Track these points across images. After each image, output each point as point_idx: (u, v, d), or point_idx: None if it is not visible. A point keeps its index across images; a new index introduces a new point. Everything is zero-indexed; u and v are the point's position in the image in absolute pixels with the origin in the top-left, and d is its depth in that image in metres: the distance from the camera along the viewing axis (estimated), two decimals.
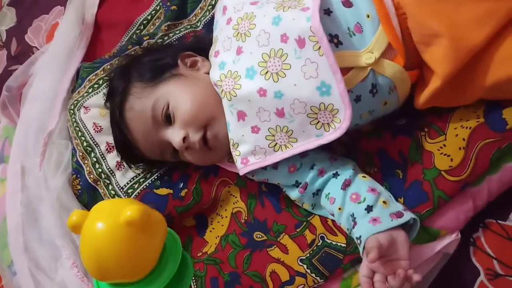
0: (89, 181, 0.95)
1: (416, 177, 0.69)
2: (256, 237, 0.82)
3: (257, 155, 0.74)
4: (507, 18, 0.59)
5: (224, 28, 0.76)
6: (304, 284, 0.73)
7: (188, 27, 1.04)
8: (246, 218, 0.84)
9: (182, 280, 0.64)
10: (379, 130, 0.77)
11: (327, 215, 0.76)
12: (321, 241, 0.74)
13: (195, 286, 0.82)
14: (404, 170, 0.71)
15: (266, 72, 0.68)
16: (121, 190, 0.93)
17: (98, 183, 0.95)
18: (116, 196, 0.92)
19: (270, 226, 0.81)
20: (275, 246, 0.78)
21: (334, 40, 0.67)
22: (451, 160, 0.67)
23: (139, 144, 0.82)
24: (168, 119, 0.78)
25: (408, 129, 0.73)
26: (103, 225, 0.55)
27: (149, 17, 1.13)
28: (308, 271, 0.73)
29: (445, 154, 0.68)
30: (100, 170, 0.95)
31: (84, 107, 1.00)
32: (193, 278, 0.82)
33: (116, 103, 0.84)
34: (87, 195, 0.95)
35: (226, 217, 0.87)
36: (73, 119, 1.00)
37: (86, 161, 0.96)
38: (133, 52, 1.02)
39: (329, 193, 0.72)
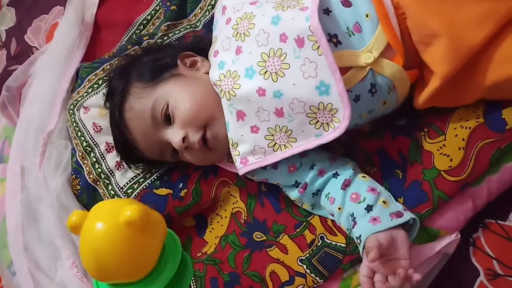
0: (89, 181, 0.95)
1: (415, 177, 0.69)
2: (256, 237, 0.82)
3: (256, 155, 0.74)
4: (506, 18, 0.59)
5: (224, 28, 0.76)
6: (304, 284, 0.73)
7: (188, 27, 1.04)
8: (245, 218, 0.84)
9: (182, 280, 0.63)
10: (379, 130, 0.77)
11: (326, 215, 0.76)
12: (320, 241, 0.74)
13: (194, 286, 0.82)
14: (403, 170, 0.71)
15: (265, 72, 0.68)
16: (121, 190, 0.92)
17: (98, 183, 0.95)
18: (115, 196, 0.92)
19: (270, 226, 0.81)
20: (275, 246, 0.78)
21: (333, 40, 0.67)
22: (451, 160, 0.67)
23: (139, 144, 0.82)
24: (168, 119, 0.78)
25: (408, 129, 0.73)
26: (103, 225, 0.55)
27: (148, 17, 1.13)
28: (308, 271, 0.73)
29: (444, 154, 0.67)
30: (99, 170, 0.95)
31: (83, 107, 1.00)
32: (193, 278, 0.82)
33: (115, 103, 0.84)
34: (87, 195, 0.95)
35: (225, 217, 0.87)
36: (73, 119, 1.00)
37: (85, 161, 0.96)
38: (132, 52, 1.02)
39: (329, 193, 0.72)
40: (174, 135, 0.77)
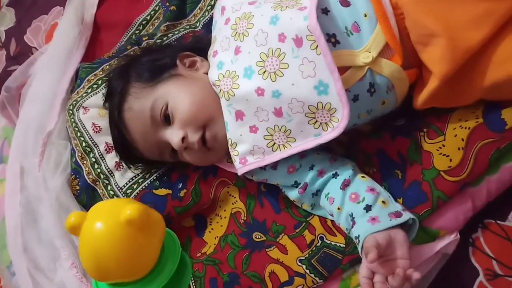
0: (88, 181, 0.95)
1: (415, 178, 0.69)
2: (255, 237, 0.82)
3: (255, 155, 0.74)
4: (505, 18, 0.59)
5: (223, 28, 0.76)
6: (303, 285, 0.73)
7: (187, 27, 1.04)
8: (245, 218, 0.84)
9: (181, 280, 0.63)
10: (378, 130, 0.77)
11: (326, 215, 0.76)
12: (320, 242, 0.74)
13: (194, 286, 0.82)
14: (403, 171, 0.71)
15: (264, 72, 0.68)
16: (120, 190, 0.92)
17: (97, 183, 0.95)
18: (115, 196, 0.92)
19: (269, 226, 0.81)
20: (274, 246, 0.78)
21: (332, 39, 0.67)
22: (450, 160, 0.66)
23: (138, 144, 0.82)
24: (167, 119, 0.78)
25: (407, 129, 0.73)
26: (103, 225, 0.55)
27: (148, 18, 1.13)
28: (307, 271, 0.73)
29: (444, 155, 0.67)
30: (99, 170, 0.95)
31: (83, 107, 1.00)
32: (192, 278, 0.82)
33: (114, 103, 0.84)
34: (86, 195, 0.95)
35: (225, 217, 0.87)
36: (72, 120, 1.00)
37: (85, 162, 0.96)
38: (132, 53, 1.03)
39: (328, 193, 0.72)
40: (173, 135, 0.77)
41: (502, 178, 0.66)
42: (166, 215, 0.86)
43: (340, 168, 0.73)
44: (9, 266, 1.01)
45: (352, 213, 0.68)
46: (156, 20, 1.12)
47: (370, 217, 0.65)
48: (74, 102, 1.01)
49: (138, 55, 0.93)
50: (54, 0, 1.36)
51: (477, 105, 0.67)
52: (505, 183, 0.67)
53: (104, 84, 1.00)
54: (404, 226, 0.66)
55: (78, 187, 0.96)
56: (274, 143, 0.72)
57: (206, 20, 1.03)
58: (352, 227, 0.67)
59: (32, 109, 1.09)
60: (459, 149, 0.66)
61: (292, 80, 0.67)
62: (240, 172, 0.77)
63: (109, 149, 0.95)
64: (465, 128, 0.66)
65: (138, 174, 0.92)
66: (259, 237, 0.81)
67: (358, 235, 0.65)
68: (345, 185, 0.70)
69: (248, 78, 0.70)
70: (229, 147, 0.77)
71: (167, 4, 1.08)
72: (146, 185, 0.90)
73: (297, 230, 0.78)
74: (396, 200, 0.69)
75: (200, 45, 0.89)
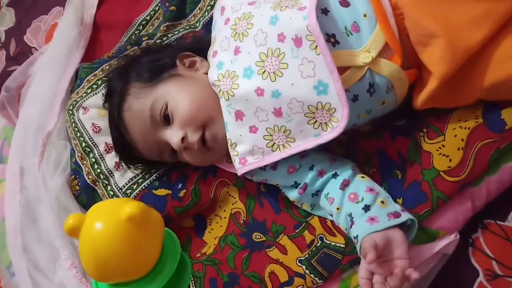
0: (88, 181, 0.95)
1: (414, 178, 0.69)
2: (255, 237, 0.82)
3: (255, 155, 0.74)
4: (504, 18, 0.59)
5: (222, 28, 0.76)
6: (303, 285, 0.73)
7: (187, 27, 1.04)
8: (245, 218, 0.84)
9: (181, 280, 0.63)
10: (378, 130, 0.77)
11: (326, 215, 0.76)
12: (320, 242, 0.74)
13: (194, 287, 0.82)
14: (403, 171, 0.71)
15: (264, 72, 0.68)
16: (120, 190, 0.92)
17: (97, 183, 0.95)
18: (114, 196, 0.92)
19: (269, 226, 0.81)
20: (274, 246, 0.78)
21: (331, 40, 0.67)
22: (450, 160, 0.66)
23: (138, 145, 0.82)
24: (167, 119, 0.78)
25: (407, 129, 0.73)
26: (103, 225, 0.55)
27: (148, 18, 1.13)
28: (307, 271, 0.73)
29: (443, 155, 0.67)
30: (98, 170, 0.95)
31: (83, 107, 1.00)
32: (192, 279, 0.82)
33: (114, 103, 0.84)
34: (86, 195, 0.95)
35: (225, 217, 0.87)
36: (72, 120, 1.00)
37: (84, 162, 0.96)
38: (132, 53, 1.03)
39: (328, 193, 0.72)
40: (173, 135, 0.77)
41: (502, 178, 0.66)
42: (166, 215, 0.86)
43: (340, 169, 0.73)
44: (8, 266, 1.01)
45: (351, 213, 0.68)
46: (156, 20, 1.12)
47: (369, 217, 0.65)
48: (74, 102, 1.01)
49: (137, 55, 0.93)
50: (54, 0, 1.36)
51: (477, 105, 0.67)
52: (505, 183, 0.67)
53: (104, 84, 0.99)
54: (403, 227, 0.66)
55: (77, 187, 0.96)
56: (274, 143, 0.72)
57: (206, 20, 1.03)
58: (351, 227, 0.67)
59: (31, 109, 1.10)
60: (458, 149, 0.66)
61: (291, 80, 0.67)
62: (239, 172, 0.77)
63: (109, 149, 0.95)
64: (465, 128, 0.66)
65: (137, 175, 0.92)
66: (259, 237, 0.81)
67: (357, 235, 0.65)
68: (345, 185, 0.70)
69: (248, 78, 0.70)
70: (229, 147, 0.77)
71: (167, 4, 1.08)
72: (146, 185, 0.90)
73: (297, 231, 0.78)
74: (395, 201, 0.69)
75: (199, 45, 0.89)
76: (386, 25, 0.66)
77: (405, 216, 0.65)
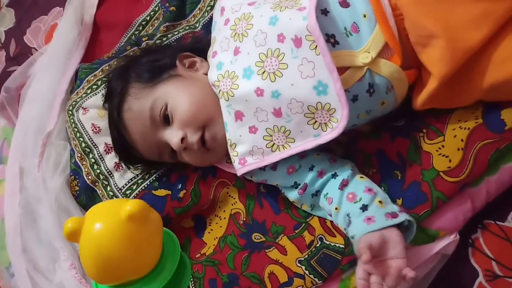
0: (87, 182, 0.95)
1: (414, 178, 0.69)
2: (255, 238, 0.82)
3: (254, 156, 0.74)
4: (504, 19, 0.59)
5: (222, 28, 0.76)
6: (303, 285, 0.73)
7: (187, 28, 1.04)
8: (244, 219, 0.84)
9: (181, 281, 0.63)
10: (378, 131, 0.77)
11: (325, 216, 0.75)
12: (319, 242, 0.74)
13: (193, 287, 0.82)
14: (402, 171, 0.71)
15: (263, 72, 0.68)
16: (120, 191, 0.92)
17: (96, 184, 0.95)
18: (114, 197, 0.92)
19: (269, 227, 0.81)
20: (274, 247, 0.78)
21: (331, 40, 0.67)
22: (450, 161, 0.66)
23: (137, 145, 0.82)
24: (166, 120, 0.78)
25: (407, 130, 0.73)
26: (103, 225, 0.55)
27: (147, 18, 1.13)
28: (307, 272, 0.73)
29: (443, 155, 0.67)
30: (98, 171, 0.95)
31: (82, 108, 1.00)
32: (192, 279, 0.82)
33: (114, 103, 0.84)
34: (85, 196, 0.95)
35: (224, 218, 0.87)
36: (72, 120, 1.00)
37: (84, 162, 0.96)
38: (131, 53, 1.03)
39: (327, 193, 0.72)
40: (172, 136, 0.77)
41: (501, 178, 0.66)
42: (166, 215, 0.86)
43: (340, 169, 0.73)
44: (8, 267, 1.01)
45: (349, 213, 0.68)
46: (156, 21, 1.12)
47: (366, 216, 0.65)
48: (74, 103, 1.01)
49: (137, 55, 0.93)
50: (54, 0, 1.36)
51: (476, 105, 0.67)
52: (504, 183, 0.67)
53: (104, 84, 0.99)
54: (401, 228, 0.65)
55: (77, 188, 0.96)
56: (274, 144, 0.72)
57: (206, 21, 1.03)
58: (349, 226, 0.67)
59: (31, 110, 1.10)
60: (458, 149, 0.66)
61: (291, 80, 0.67)
62: (239, 172, 0.77)
63: (109, 149, 0.95)
64: (465, 128, 0.66)
65: (137, 175, 0.92)
66: (259, 238, 0.81)
67: (354, 235, 0.65)
68: (343, 185, 0.70)
69: (248, 78, 0.70)
70: (229, 147, 0.77)
71: (167, 4, 1.08)
72: (146, 185, 0.90)
73: (296, 231, 0.77)
74: (395, 201, 0.69)
75: (199, 45, 0.89)
76: (386, 25, 0.66)
77: (403, 217, 0.64)
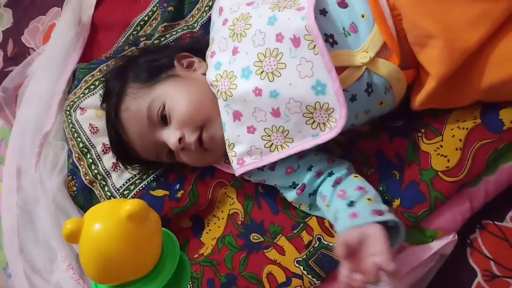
0: (85, 182, 0.95)
1: (413, 178, 0.69)
2: (253, 238, 0.82)
3: (253, 156, 0.74)
4: (502, 19, 0.59)
5: (220, 28, 0.76)
6: (301, 286, 0.73)
7: (185, 28, 1.04)
8: (242, 219, 0.84)
9: (180, 281, 0.63)
10: (376, 131, 0.77)
11: (324, 215, 0.75)
12: (318, 243, 0.74)
13: None
14: (401, 171, 0.71)
15: (262, 72, 0.68)
16: (117, 191, 0.92)
17: (94, 184, 0.94)
18: (112, 197, 0.92)
19: (267, 227, 0.81)
20: (272, 247, 0.78)
21: (329, 40, 0.67)
22: (448, 161, 0.67)
23: (135, 145, 0.82)
24: (164, 120, 0.78)
25: (405, 130, 0.73)
26: (103, 226, 0.55)
27: (146, 18, 1.13)
28: (305, 272, 0.73)
29: (441, 155, 0.67)
30: (96, 171, 0.94)
31: (80, 108, 1.00)
32: (190, 280, 0.82)
33: (112, 103, 0.83)
34: (83, 196, 0.94)
35: (222, 218, 0.87)
36: (69, 120, 0.99)
37: (82, 162, 0.96)
38: (129, 53, 1.02)
39: (321, 192, 0.73)
40: (170, 136, 0.77)
41: (500, 178, 0.67)
42: (164, 216, 0.86)
43: (336, 168, 0.73)
44: (5, 267, 1.01)
45: (337, 209, 0.68)
46: (154, 21, 1.11)
47: (352, 212, 0.65)
48: (71, 103, 1.01)
49: (135, 55, 0.93)
50: (52, 1, 1.36)
51: (475, 105, 0.67)
52: (503, 183, 0.67)
53: (102, 84, 0.99)
54: (391, 231, 0.64)
55: (75, 188, 0.95)
56: (272, 144, 0.72)
57: (204, 21, 1.03)
58: (336, 222, 0.67)
59: (29, 110, 1.09)
60: (457, 149, 0.66)
61: (289, 80, 0.67)
62: (237, 173, 0.77)
63: (106, 150, 0.95)
64: (463, 128, 0.66)
65: (135, 175, 0.92)
66: (257, 238, 0.81)
67: (339, 231, 0.65)
68: (336, 182, 0.71)
69: (246, 78, 0.69)
70: (227, 147, 0.76)
71: (165, 4, 1.08)
72: (143, 186, 0.90)
73: (294, 231, 0.77)
74: (393, 201, 0.69)
75: (198, 45, 0.89)
76: (384, 25, 0.66)
77: (388, 216, 0.63)
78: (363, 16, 0.67)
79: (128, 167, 0.91)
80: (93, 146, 0.96)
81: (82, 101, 1.00)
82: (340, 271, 0.62)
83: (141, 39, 1.06)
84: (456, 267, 0.70)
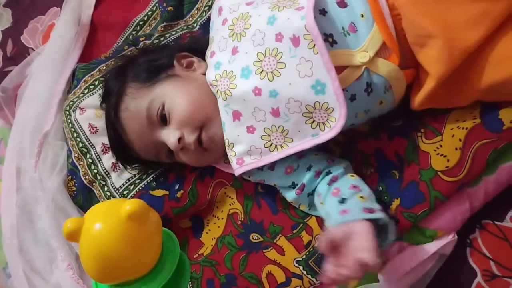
0: (85, 182, 0.95)
1: (412, 178, 0.69)
2: (253, 238, 0.82)
3: (252, 155, 0.74)
4: (501, 19, 0.59)
5: (220, 28, 0.76)
6: (300, 286, 0.73)
7: (185, 28, 1.04)
8: (242, 219, 0.84)
9: (180, 281, 0.63)
10: (376, 131, 0.77)
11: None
12: (317, 243, 0.74)
13: None
14: (400, 171, 0.71)
15: (261, 71, 0.68)
16: (117, 191, 0.92)
17: (94, 184, 0.94)
18: (111, 197, 0.92)
19: (267, 227, 0.81)
20: (272, 247, 0.78)
21: (329, 39, 0.67)
22: (448, 160, 0.67)
23: (134, 145, 0.82)
24: (164, 120, 0.78)
25: (405, 130, 0.73)
26: (103, 225, 0.55)
27: (145, 18, 1.13)
28: (304, 272, 0.73)
29: (441, 155, 0.67)
30: (95, 171, 0.94)
31: (79, 108, 0.99)
32: (190, 279, 0.82)
33: (111, 103, 0.83)
34: (83, 196, 0.94)
35: (222, 218, 0.87)
36: (69, 120, 0.99)
37: (81, 162, 0.96)
38: (129, 53, 1.02)
39: (318, 190, 0.73)
40: (169, 136, 0.77)
41: (499, 178, 0.67)
42: (163, 216, 0.86)
43: (334, 167, 0.73)
44: (5, 267, 1.01)
45: (330, 205, 0.68)
46: (153, 21, 1.11)
47: (343, 209, 0.65)
48: (71, 103, 1.01)
49: (135, 55, 0.93)
50: (51, 0, 1.35)
51: (474, 105, 0.67)
52: (502, 183, 0.67)
53: (101, 84, 0.99)
54: (383, 233, 0.64)
55: (74, 188, 0.95)
56: (272, 144, 0.72)
57: (204, 21, 1.02)
58: (327, 219, 0.67)
59: (28, 110, 1.09)
60: (456, 149, 0.66)
61: (289, 79, 0.67)
62: (237, 172, 0.77)
63: (106, 149, 0.95)
64: (463, 128, 0.66)
65: (134, 175, 0.92)
66: (256, 238, 0.81)
67: (329, 226, 0.65)
68: (332, 181, 0.71)
69: (246, 78, 0.69)
70: (226, 147, 0.76)
71: (164, 4, 1.07)
72: (143, 186, 0.90)
73: (294, 231, 0.77)
74: (393, 201, 0.69)
75: (197, 45, 0.89)
76: (384, 25, 0.66)
77: (379, 215, 0.63)
78: (362, 16, 0.67)
79: (128, 167, 0.91)
80: (92, 146, 0.96)
81: (81, 101, 1.00)
82: (325, 265, 0.61)
83: (141, 39, 1.06)
84: (456, 267, 0.70)
